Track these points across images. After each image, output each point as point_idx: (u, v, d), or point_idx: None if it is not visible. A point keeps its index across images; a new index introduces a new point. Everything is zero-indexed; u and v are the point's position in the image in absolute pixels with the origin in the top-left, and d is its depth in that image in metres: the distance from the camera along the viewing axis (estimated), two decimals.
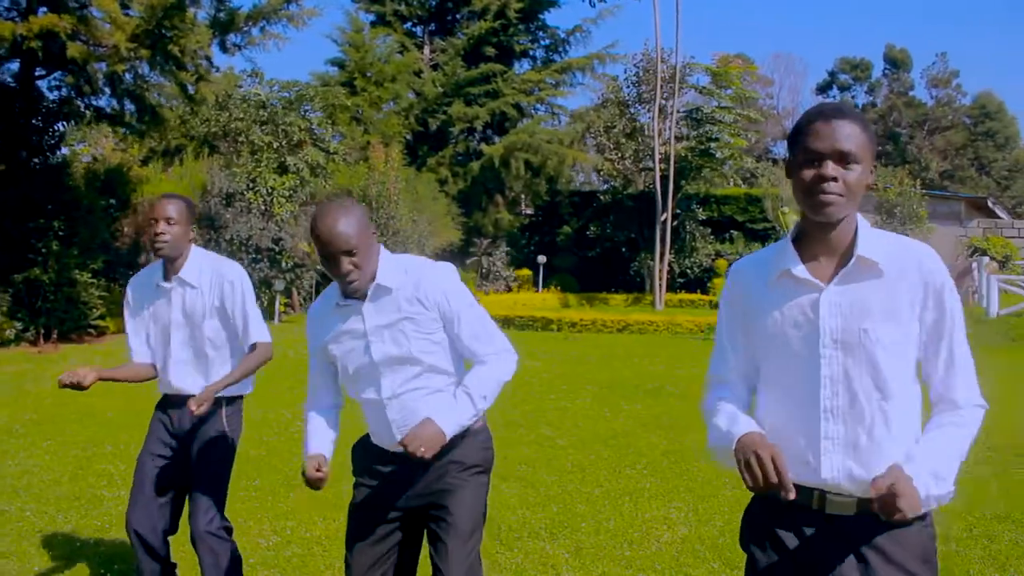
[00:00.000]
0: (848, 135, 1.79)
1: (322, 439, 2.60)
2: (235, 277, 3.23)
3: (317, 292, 18.67)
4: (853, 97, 57.71)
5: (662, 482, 5.74)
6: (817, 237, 1.89)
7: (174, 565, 3.37)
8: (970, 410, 1.86)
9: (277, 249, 17.66)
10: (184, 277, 3.19)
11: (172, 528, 3.31)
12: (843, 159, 1.79)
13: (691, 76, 24.92)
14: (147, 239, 3.12)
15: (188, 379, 3.25)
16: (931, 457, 1.78)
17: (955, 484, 1.79)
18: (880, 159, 51.32)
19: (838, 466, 1.84)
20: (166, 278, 3.22)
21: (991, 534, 4.57)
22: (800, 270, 1.88)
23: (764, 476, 1.72)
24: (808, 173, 1.82)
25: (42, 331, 12.54)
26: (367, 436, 2.64)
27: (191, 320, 3.21)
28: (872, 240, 1.87)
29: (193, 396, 3.07)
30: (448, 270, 2.56)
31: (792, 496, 1.73)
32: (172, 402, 3.29)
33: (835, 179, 1.79)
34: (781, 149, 54.07)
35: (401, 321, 2.46)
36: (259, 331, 3.23)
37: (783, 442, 1.81)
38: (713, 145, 23.75)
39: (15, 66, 13.29)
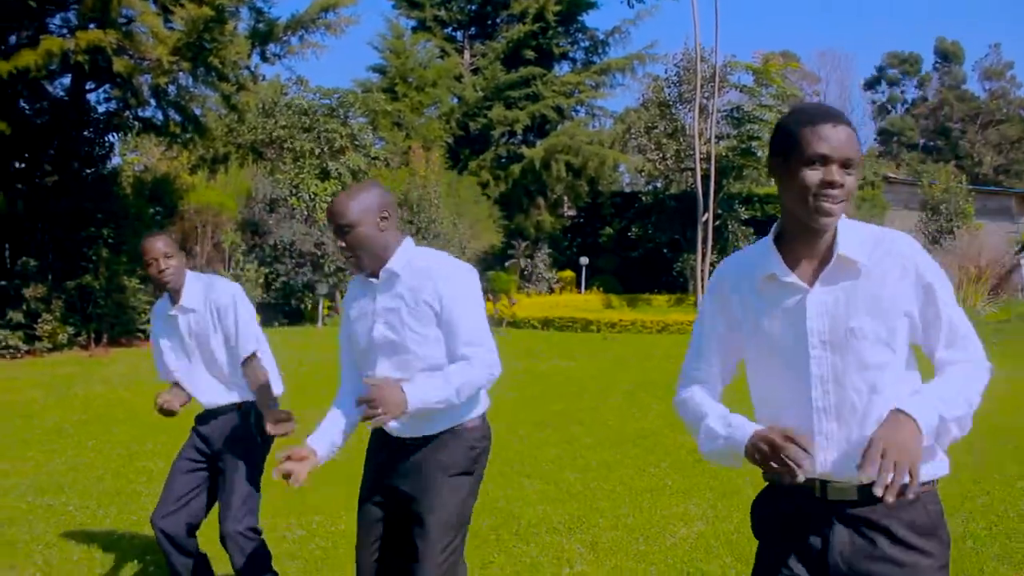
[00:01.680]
0: (851, 140, 1.78)
1: (325, 432, 2.60)
2: (223, 296, 3.43)
3: None
4: (903, 92, 56.63)
5: (684, 479, 5.78)
6: (801, 239, 1.87)
7: (204, 555, 3.50)
8: (977, 361, 1.85)
9: (320, 253, 17.97)
10: (185, 304, 3.42)
11: (196, 524, 3.45)
12: (846, 165, 1.78)
13: (732, 75, 24.71)
14: (153, 278, 3.39)
15: (213, 394, 3.49)
16: (935, 388, 1.80)
17: (971, 412, 1.79)
18: (931, 154, 50.30)
19: (832, 460, 1.85)
20: (173, 305, 3.47)
21: (1011, 532, 4.53)
22: (785, 274, 1.87)
23: (784, 453, 1.72)
24: (812, 177, 1.77)
25: (93, 335, 12.97)
26: None
27: (200, 341, 3.44)
28: (851, 236, 1.85)
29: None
30: (463, 272, 2.58)
31: (806, 464, 1.73)
32: (204, 416, 3.53)
33: (842, 185, 1.77)
34: None
35: (400, 308, 2.53)
36: (248, 344, 3.40)
37: None
38: (755, 144, 23.51)
39: (67, 80, 13.77)
